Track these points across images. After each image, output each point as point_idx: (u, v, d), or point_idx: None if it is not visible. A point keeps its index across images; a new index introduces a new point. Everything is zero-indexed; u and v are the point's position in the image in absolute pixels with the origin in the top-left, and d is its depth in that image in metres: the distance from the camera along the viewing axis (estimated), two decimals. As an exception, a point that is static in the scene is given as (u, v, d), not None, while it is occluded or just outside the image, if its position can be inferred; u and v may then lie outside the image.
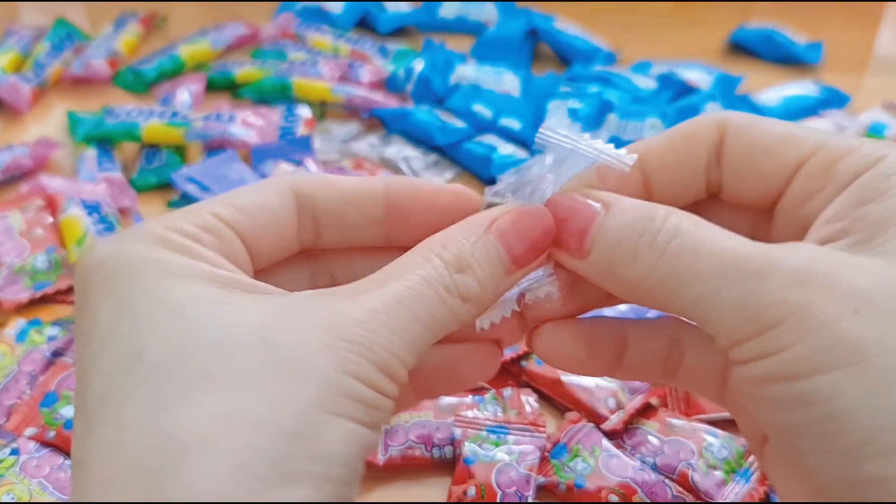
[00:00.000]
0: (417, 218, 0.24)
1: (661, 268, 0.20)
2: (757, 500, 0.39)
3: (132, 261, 0.19)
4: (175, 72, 0.76)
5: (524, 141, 0.65)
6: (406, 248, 0.22)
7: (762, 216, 0.25)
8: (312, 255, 0.25)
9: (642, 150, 0.25)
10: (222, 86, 0.75)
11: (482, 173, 0.63)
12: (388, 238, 0.24)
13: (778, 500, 0.39)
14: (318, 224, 0.23)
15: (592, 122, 0.65)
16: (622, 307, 0.46)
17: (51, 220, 0.53)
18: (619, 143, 0.65)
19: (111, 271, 0.19)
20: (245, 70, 0.74)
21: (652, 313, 0.46)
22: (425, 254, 0.21)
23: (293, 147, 0.63)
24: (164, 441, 0.16)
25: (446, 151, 0.65)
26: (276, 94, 0.70)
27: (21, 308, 0.49)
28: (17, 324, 0.47)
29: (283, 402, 0.17)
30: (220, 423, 0.16)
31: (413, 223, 0.24)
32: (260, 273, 0.23)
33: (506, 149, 0.63)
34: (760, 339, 0.19)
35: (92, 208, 0.53)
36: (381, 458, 0.40)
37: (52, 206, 0.54)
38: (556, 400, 0.44)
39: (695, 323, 0.21)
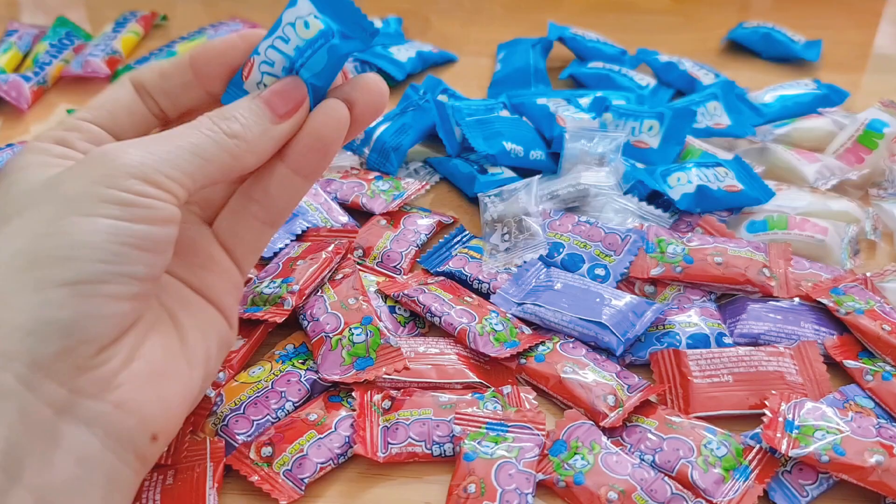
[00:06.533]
0: (217, 68, 0.30)
1: None
2: (756, 498, 0.39)
3: (5, 169, 0.28)
4: (175, 70, 0.76)
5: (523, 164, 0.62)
6: None
7: None
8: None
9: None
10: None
11: (467, 190, 0.61)
12: (210, 92, 0.31)
13: (777, 499, 0.39)
14: (155, 100, 0.30)
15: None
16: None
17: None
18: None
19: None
20: None
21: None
22: (197, 117, 0.29)
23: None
24: None
25: (433, 164, 0.64)
26: None
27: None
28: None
29: (41, 217, 0.25)
30: (4, 247, 0.25)
31: (216, 73, 0.30)
32: None
33: (493, 168, 0.61)
34: None
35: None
36: (381, 455, 0.41)
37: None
38: (555, 397, 0.45)
39: None
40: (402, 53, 0.78)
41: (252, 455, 0.40)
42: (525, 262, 0.52)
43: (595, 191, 0.57)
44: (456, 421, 0.42)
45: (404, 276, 0.52)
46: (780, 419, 0.41)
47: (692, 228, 0.56)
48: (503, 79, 0.77)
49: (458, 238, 0.56)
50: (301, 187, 0.32)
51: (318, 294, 0.48)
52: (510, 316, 0.49)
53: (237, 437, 0.41)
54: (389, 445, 0.41)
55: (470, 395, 0.44)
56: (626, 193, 0.58)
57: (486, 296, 0.51)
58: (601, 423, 0.42)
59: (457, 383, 0.45)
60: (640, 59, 0.78)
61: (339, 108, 0.30)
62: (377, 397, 0.43)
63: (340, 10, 0.28)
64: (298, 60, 0.28)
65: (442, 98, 0.67)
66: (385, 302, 0.50)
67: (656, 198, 0.58)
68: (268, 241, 0.35)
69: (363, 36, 0.28)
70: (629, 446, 0.42)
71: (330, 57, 0.28)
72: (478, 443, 0.40)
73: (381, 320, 0.47)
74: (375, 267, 0.53)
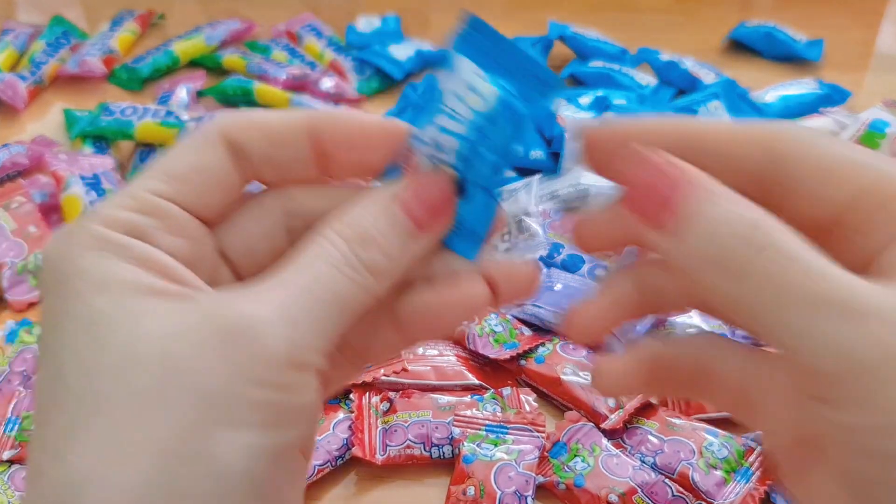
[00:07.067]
0: (345, 154, 0.23)
1: (757, 284, 0.19)
2: (757, 501, 0.38)
3: (61, 271, 0.19)
4: (171, 68, 0.76)
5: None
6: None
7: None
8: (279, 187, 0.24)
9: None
10: (213, 70, 0.77)
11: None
12: (324, 173, 0.24)
13: (779, 501, 0.39)
14: (254, 168, 0.23)
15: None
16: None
17: (39, 214, 0.52)
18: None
19: (47, 282, 0.19)
20: (229, 57, 0.77)
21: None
22: (327, 234, 0.21)
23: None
24: (66, 479, 0.17)
25: None
26: (238, 98, 0.70)
27: (32, 306, 0.49)
28: (5, 325, 0.47)
29: (174, 423, 0.17)
30: (112, 453, 0.17)
31: (342, 159, 0.23)
32: (228, 218, 0.23)
33: None
34: (857, 383, 0.18)
35: (91, 184, 0.53)
36: (379, 458, 0.40)
37: (58, 184, 0.55)
38: (556, 399, 0.44)
39: (776, 350, 0.20)
40: (401, 52, 0.78)
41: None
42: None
43: (596, 191, 0.57)
44: (455, 423, 0.41)
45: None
46: (783, 421, 0.41)
47: (693, 228, 0.56)
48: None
49: (458, 238, 0.55)
50: (405, 347, 0.25)
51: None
52: (510, 317, 0.48)
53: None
54: (388, 447, 0.41)
55: (469, 396, 0.43)
56: (626, 193, 0.58)
57: (485, 296, 0.51)
58: (602, 425, 0.42)
59: (456, 385, 0.44)
60: (640, 58, 0.78)
61: (478, 295, 0.23)
62: (375, 399, 0.43)
63: (511, 64, 0.22)
64: (477, 140, 0.22)
65: None
66: (383, 302, 0.49)
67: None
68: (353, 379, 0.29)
69: (544, 90, 0.22)
70: (630, 448, 0.41)
71: (514, 128, 0.22)
72: (477, 445, 0.40)
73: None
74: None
